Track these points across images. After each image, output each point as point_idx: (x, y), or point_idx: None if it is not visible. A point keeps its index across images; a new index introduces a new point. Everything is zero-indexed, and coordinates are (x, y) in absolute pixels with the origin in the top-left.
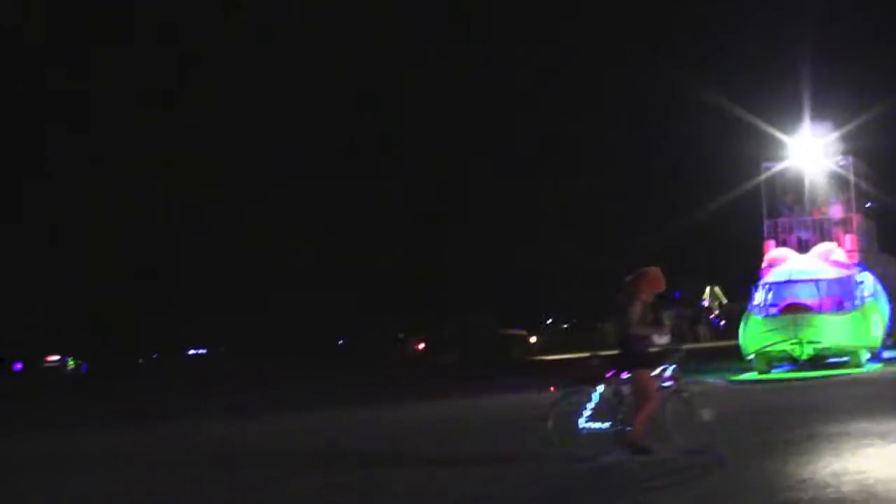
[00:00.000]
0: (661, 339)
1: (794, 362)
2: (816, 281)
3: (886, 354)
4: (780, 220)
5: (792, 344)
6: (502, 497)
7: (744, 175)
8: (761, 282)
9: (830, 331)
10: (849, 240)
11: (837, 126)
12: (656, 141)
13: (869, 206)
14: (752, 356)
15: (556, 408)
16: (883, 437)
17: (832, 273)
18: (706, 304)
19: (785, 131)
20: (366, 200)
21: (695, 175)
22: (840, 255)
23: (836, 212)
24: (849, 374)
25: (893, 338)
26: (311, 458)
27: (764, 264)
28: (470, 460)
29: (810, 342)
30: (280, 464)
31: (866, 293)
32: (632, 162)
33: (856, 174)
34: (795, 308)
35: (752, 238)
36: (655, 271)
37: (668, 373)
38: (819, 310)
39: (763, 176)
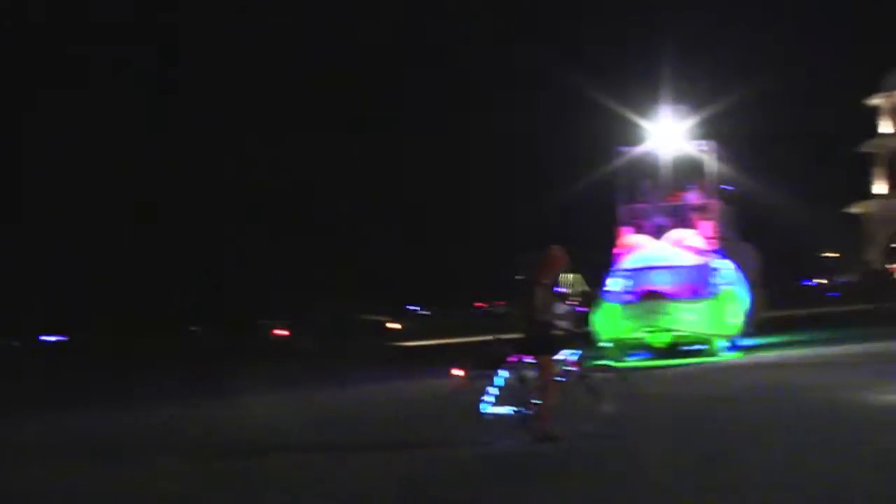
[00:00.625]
0: (564, 323)
1: (651, 350)
2: (673, 268)
3: (746, 342)
4: (637, 206)
5: (648, 332)
6: (407, 485)
7: (602, 159)
8: (616, 268)
9: (687, 319)
10: (707, 226)
11: (697, 111)
12: (512, 125)
13: (728, 192)
14: (606, 344)
15: (459, 392)
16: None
17: (689, 260)
18: (564, 291)
19: (643, 115)
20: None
21: (555, 159)
22: (697, 241)
23: (694, 197)
24: (705, 362)
25: (753, 326)
26: (191, 448)
27: (619, 251)
28: (367, 449)
29: (667, 330)
30: (157, 454)
31: (724, 281)
32: (488, 147)
33: (715, 159)
34: (652, 295)
35: (610, 224)
36: (556, 250)
37: (573, 358)
38: (675, 297)
39: (619, 160)
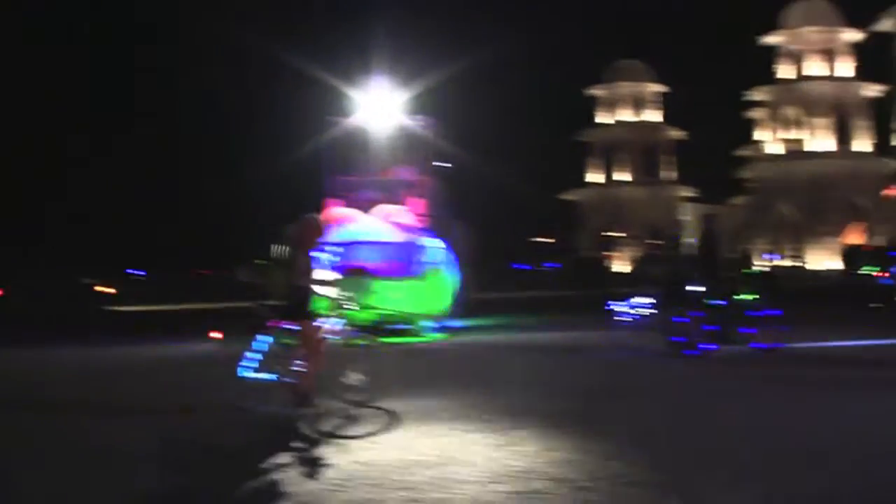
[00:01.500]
0: (326, 289)
1: (355, 328)
2: (379, 244)
3: (455, 324)
4: (347, 179)
5: (353, 309)
6: (161, 452)
7: (315, 131)
8: (322, 242)
9: (391, 297)
10: (417, 203)
11: (411, 84)
12: (221, 95)
13: (443, 170)
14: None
15: (221, 356)
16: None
17: (396, 237)
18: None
19: (356, 87)
20: None
21: (266, 130)
22: (406, 218)
23: (406, 173)
24: (410, 342)
25: (463, 308)
26: None
27: (326, 224)
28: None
29: (371, 308)
30: None
31: (432, 260)
32: (198, 115)
33: (429, 134)
34: (356, 271)
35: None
36: (316, 218)
37: (333, 325)
38: (380, 274)
39: (330, 132)
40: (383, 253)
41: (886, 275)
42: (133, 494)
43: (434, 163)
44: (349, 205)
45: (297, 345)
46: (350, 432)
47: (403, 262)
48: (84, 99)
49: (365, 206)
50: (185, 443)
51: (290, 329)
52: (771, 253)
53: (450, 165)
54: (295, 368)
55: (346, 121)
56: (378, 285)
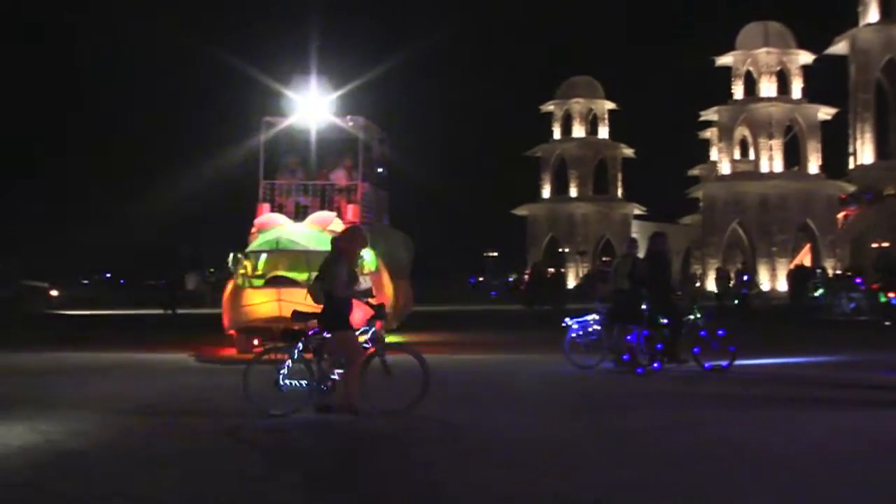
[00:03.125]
0: (365, 299)
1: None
2: (307, 252)
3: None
4: (278, 183)
5: (276, 322)
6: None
7: (247, 132)
8: (248, 248)
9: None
10: (351, 209)
11: (350, 84)
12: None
13: (381, 174)
14: (233, 332)
15: (253, 363)
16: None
17: (326, 245)
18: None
19: (290, 87)
20: None
21: (198, 131)
22: (338, 225)
23: (340, 177)
24: None
25: (397, 321)
26: None
27: (253, 229)
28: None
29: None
30: None
31: (365, 270)
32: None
33: (366, 137)
34: (281, 281)
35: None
36: (359, 229)
37: (369, 335)
38: (307, 285)
39: (262, 133)
40: (310, 262)
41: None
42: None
43: (372, 168)
44: (281, 210)
45: (332, 354)
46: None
47: None
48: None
49: (297, 213)
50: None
51: (325, 338)
52: (746, 272)
53: (384, 171)
54: (333, 377)
55: (280, 122)
56: (302, 296)
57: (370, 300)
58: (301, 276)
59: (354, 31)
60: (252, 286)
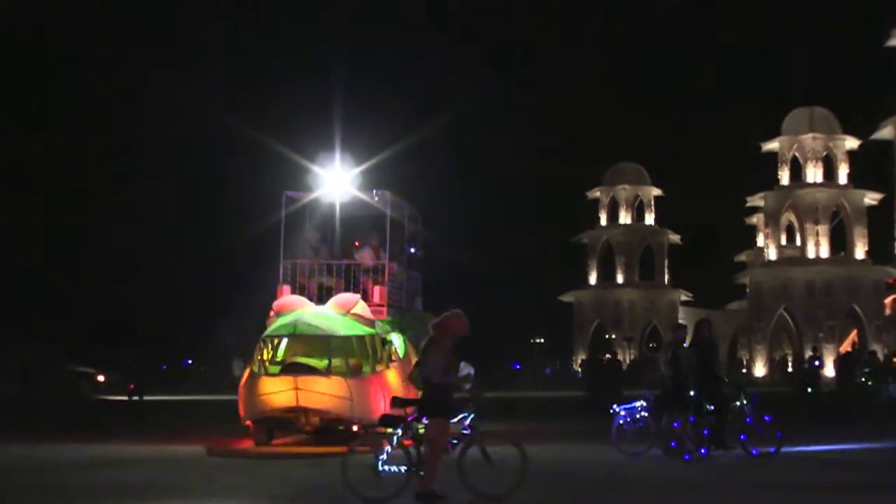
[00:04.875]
0: (464, 385)
1: (302, 433)
2: (327, 337)
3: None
4: (300, 262)
5: (294, 412)
6: None
7: (267, 208)
8: (264, 333)
9: (339, 398)
10: (378, 291)
11: (379, 161)
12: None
13: (413, 254)
14: (249, 422)
15: (351, 450)
16: None
17: (349, 330)
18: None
19: (316, 163)
20: None
21: (214, 207)
22: (362, 308)
23: (366, 257)
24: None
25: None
26: None
27: (271, 312)
28: None
29: (314, 411)
30: None
31: (394, 357)
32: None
33: (394, 214)
34: (299, 368)
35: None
36: (459, 314)
37: (467, 421)
38: (327, 373)
39: (284, 209)
40: (331, 348)
41: None
42: None
43: (402, 247)
44: (302, 291)
45: (426, 440)
46: None
47: (355, 359)
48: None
49: (320, 295)
50: None
51: (424, 423)
52: (818, 358)
53: (418, 250)
54: (425, 462)
55: (303, 197)
56: (322, 385)
57: (470, 390)
58: (321, 363)
59: (392, 104)
60: (268, 374)
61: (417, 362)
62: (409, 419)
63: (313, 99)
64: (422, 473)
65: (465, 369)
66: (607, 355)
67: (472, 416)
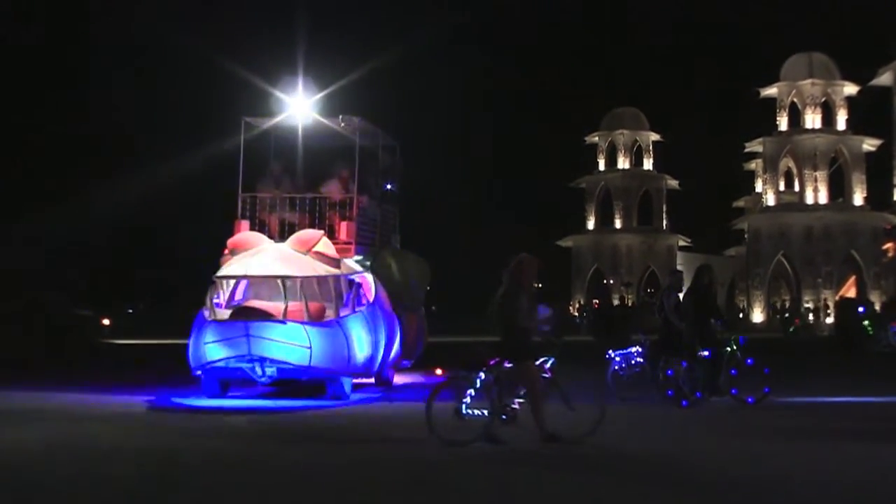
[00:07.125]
0: (544, 328)
1: (253, 386)
2: (285, 278)
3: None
4: (260, 196)
5: (247, 361)
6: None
7: (226, 135)
8: (216, 274)
9: (297, 347)
10: (345, 227)
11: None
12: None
13: (389, 189)
14: (199, 373)
15: (436, 392)
16: None
17: (310, 269)
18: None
19: (276, 85)
20: None
21: (168, 131)
22: (326, 246)
23: (333, 190)
24: (330, 406)
25: (405, 359)
26: None
27: (226, 251)
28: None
29: (269, 360)
30: None
31: (358, 301)
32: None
33: (367, 143)
34: (250, 312)
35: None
36: (533, 258)
37: (548, 364)
38: (283, 318)
39: (243, 135)
40: (289, 290)
41: None
42: None
43: (376, 179)
44: (263, 227)
45: (513, 383)
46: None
47: (317, 302)
48: None
49: (282, 231)
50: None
51: (506, 367)
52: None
53: (392, 186)
54: (514, 406)
55: (263, 122)
56: (277, 331)
57: (550, 333)
58: (277, 307)
59: (361, 24)
60: (217, 319)
61: (495, 306)
62: (492, 362)
63: (274, 15)
64: (504, 417)
65: (545, 311)
66: (594, 301)
67: (552, 360)
